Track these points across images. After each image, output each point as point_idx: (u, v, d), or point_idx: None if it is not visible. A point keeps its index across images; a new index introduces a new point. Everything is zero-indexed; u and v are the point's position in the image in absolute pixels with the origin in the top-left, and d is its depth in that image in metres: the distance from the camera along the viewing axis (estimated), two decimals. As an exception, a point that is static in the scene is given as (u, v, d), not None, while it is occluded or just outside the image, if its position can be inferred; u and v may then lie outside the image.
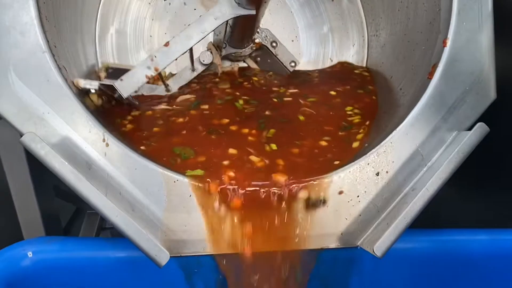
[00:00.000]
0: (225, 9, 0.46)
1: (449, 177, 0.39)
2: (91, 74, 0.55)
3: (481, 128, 0.40)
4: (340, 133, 0.49)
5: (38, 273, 0.40)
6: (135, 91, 0.48)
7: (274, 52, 0.61)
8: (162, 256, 0.37)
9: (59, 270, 0.41)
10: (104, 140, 0.39)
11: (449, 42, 0.44)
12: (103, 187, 0.38)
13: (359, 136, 0.49)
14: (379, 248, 0.38)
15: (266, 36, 0.61)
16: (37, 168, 0.56)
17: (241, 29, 0.51)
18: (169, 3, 0.62)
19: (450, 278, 0.45)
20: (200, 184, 0.39)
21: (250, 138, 0.47)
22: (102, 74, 0.56)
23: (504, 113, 0.48)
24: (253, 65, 0.63)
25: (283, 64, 0.61)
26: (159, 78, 0.56)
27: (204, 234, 0.40)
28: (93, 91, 0.44)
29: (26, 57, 0.39)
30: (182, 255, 0.40)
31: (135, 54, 0.62)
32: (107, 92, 0.46)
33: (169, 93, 0.57)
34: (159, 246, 0.37)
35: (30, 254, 0.40)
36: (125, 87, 0.46)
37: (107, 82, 0.46)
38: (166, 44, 0.47)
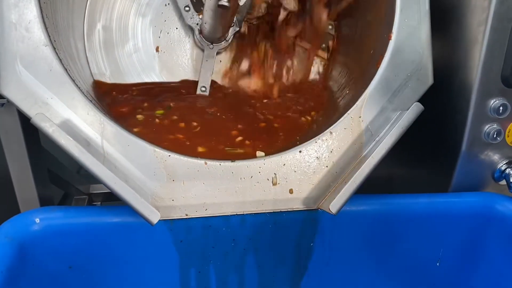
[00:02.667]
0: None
1: (391, 147, 0.47)
2: (84, 68, 0.61)
3: (417, 107, 0.48)
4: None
5: (45, 236, 0.46)
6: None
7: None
8: (154, 216, 0.43)
9: (62, 234, 0.47)
10: (100, 121, 0.46)
11: (393, 36, 0.52)
12: (100, 161, 0.45)
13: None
14: (333, 206, 0.46)
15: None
16: (34, 152, 0.62)
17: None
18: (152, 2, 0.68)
19: (397, 234, 0.53)
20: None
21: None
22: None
23: (439, 95, 0.56)
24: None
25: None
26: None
27: (187, 200, 0.47)
28: None
29: (31, 49, 0.45)
30: (169, 218, 0.47)
31: (121, 49, 0.68)
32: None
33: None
34: (151, 207, 0.43)
35: (37, 220, 0.46)
36: None
37: None
38: None
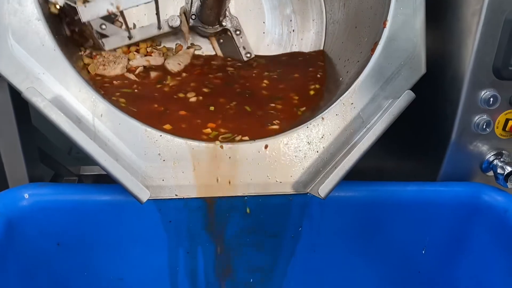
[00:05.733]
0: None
1: (381, 134, 0.48)
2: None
3: (408, 95, 0.49)
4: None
5: (33, 212, 0.46)
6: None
7: (235, 40, 0.67)
8: (143, 194, 0.44)
9: (51, 211, 0.47)
10: (92, 99, 0.46)
11: (388, 24, 0.52)
12: (91, 138, 0.45)
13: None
14: (322, 190, 0.46)
15: (233, 22, 0.67)
16: (25, 130, 0.61)
17: (211, 4, 0.58)
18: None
19: (384, 221, 0.54)
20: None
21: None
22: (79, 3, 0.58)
23: (431, 85, 0.56)
24: (215, 44, 0.68)
25: (239, 52, 0.68)
26: (124, 22, 0.60)
27: (178, 181, 0.47)
28: (57, 6, 0.49)
29: (23, 23, 0.45)
30: (159, 198, 0.47)
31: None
32: (70, 14, 0.51)
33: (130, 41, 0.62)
34: (141, 186, 0.44)
35: (26, 195, 0.46)
36: (86, 12, 0.51)
37: (71, 2, 0.50)
38: None
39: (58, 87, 0.45)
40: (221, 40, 0.69)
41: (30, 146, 0.63)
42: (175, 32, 0.65)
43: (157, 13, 0.60)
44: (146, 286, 0.52)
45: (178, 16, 0.63)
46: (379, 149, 0.69)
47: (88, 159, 0.89)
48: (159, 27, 0.62)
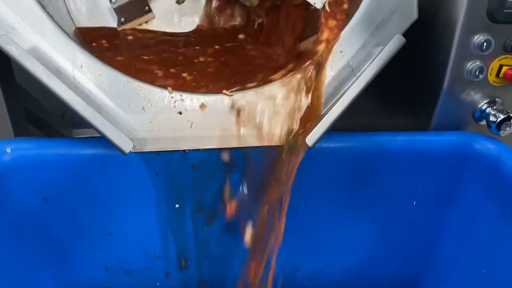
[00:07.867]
0: None
1: (371, 81, 0.47)
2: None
3: (398, 39, 0.47)
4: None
5: (16, 167, 0.45)
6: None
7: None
8: (126, 145, 0.43)
9: (35, 165, 0.46)
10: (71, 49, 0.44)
11: (379, -33, 0.50)
12: (71, 89, 0.43)
13: None
14: (309, 139, 0.45)
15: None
16: (8, 89, 0.60)
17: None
18: None
19: (375, 172, 0.53)
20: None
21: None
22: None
23: (423, 32, 0.55)
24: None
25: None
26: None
27: (165, 133, 0.46)
28: None
29: (-5, -30, 0.43)
30: (144, 151, 0.46)
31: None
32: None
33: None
34: (124, 136, 0.43)
35: (8, 150, 0.45)
36: None
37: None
38: None
39: (35, 37, 0.43)
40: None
41: (15, 104, 0.62)
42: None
43: None
44: (135, 240, 0.52)
45: None
46: (371, 104, 0.68)
47: (81, 122, 0.88)
48: None
